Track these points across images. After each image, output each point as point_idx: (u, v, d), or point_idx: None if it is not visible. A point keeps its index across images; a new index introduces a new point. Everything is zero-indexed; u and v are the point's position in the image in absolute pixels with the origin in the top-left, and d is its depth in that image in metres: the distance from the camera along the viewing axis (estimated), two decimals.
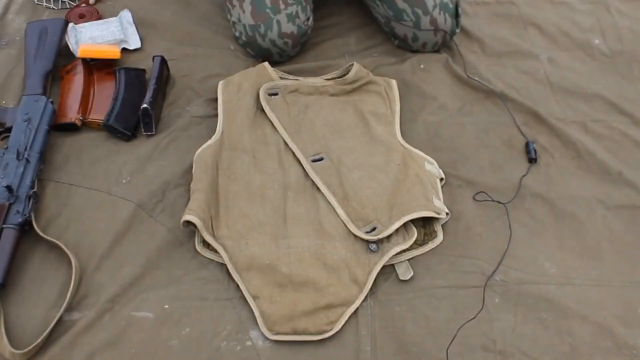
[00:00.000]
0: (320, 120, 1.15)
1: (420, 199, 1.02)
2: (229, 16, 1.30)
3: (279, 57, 1.28)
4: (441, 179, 1.10)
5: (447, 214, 1.03)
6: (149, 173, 1.10)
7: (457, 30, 1.33)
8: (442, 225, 1.04)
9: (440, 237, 1.02)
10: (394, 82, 1.24)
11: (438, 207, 1.02)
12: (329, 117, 1.16)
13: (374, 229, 0.99)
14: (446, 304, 0.95)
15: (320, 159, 1.09)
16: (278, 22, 1.21)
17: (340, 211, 1.01)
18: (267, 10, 1.22)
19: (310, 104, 1.18)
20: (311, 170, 1.06)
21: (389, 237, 0.99)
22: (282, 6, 1.22)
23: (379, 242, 0.98)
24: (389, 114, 1.18)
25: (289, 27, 1.23)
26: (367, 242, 0.98)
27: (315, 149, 1.11)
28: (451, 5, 1.28)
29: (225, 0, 1.30)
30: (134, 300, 0.94)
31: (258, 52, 1.27)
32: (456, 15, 1.30)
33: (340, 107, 1.18)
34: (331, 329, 0.91)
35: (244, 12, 1.23)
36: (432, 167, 1.10)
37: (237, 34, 1.29)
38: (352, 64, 1.23)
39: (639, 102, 1.26)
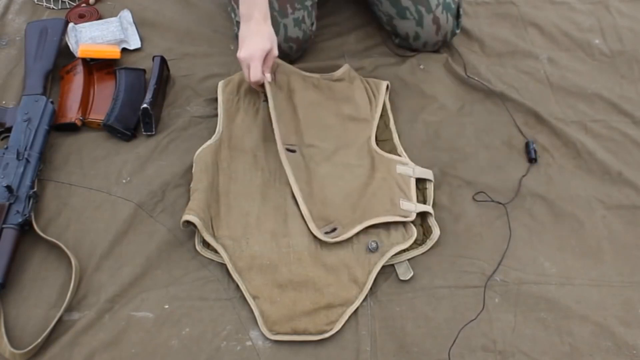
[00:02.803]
0: (301, 112, 1.15)
1: (386, 203, 1.02)
2: (233, 15, 1.30)
3: (281, 60, 1.27)
4: (429, 180, 1.09)
5: (430, 214, 1.03)
6: (149, 173, 1.10)
7: (457, 31, 1.33)
8: (442, 226, 1.04)
9: (437, 232, 1.02)
10: (383, 87, 1.22)
11: (406, 209, 1.02)
12: (310, 112, 1.16)
13: (334, 229, 0.99)
14: (446, 304, 0.95)
15: (293, 151, 1.09)
16: (285, 26, 1.21)
17: (303, 208, 1.01)
18: (275, 13, 1.21)
19: (297, 90, 1.18)
20: (285, 159, 1.05)
21: (388, 236, 0.99)
22: (289, 10, 1.22)
23: (378, 241, 0.98)
24: (369, 119, 1.17)
25: (294, 32, 1.23)
26: (367, 242, 0.98)
27: (290, 140, 1.11)
28: (453, 6, 1.28)
29: None
30: (134, 300, 0.94)
31: None
32: (457, 16, 1.30)
33: (322, 104, 1.18)
34: (331, 329, 0.91)
35: None
36: (406, 168, 1.09)
37: None
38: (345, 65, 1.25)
39: (639, 102, 1.26)
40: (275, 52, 1.10)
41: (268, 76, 1.11)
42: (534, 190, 1.10)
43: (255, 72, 1.07)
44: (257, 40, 1.07)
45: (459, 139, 1.18)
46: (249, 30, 1.08)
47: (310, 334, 0.91)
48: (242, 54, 1.07)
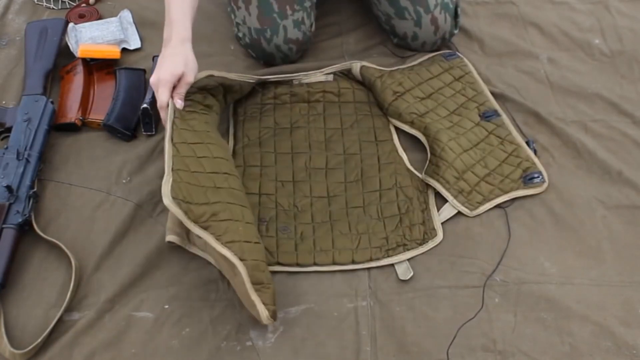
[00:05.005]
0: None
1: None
2: (232, 16, 1.30)
3: (281, 61, 1.27)
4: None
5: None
6: (149, 173, 1.10)
7: (456, 32, 1.33)
8: (443, 225, 1.04)
9: (440, 236, 1.02)
10: None
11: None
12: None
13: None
14: (446, 304, 0.95)
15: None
16: (284, 27, 1.21)
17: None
18: (274, 15, 1.21)
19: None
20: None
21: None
22: (289, 12, 1.22)
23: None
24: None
25: (294, 33, 1.23)
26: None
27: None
28: (451, 6, 1.28)
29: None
30: (134, 300, 0.94)
31: (261, 55, 1.27)
32: (455, 16, 1.30)
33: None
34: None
35: (249, 14, 1.23)
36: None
37: (240, 34, 1.29)
38: (352, 62, 1.24)
39: (639, 102, 1.26)
40: (189, 78, 1.00)
41: (179, 103, 1.00)
42: None
43: (162, 98, 0.98)
44: (168, 64, 0.99)
45: None
46: (164, 53, 1.01)
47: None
48: (152, 78, 0.99)
